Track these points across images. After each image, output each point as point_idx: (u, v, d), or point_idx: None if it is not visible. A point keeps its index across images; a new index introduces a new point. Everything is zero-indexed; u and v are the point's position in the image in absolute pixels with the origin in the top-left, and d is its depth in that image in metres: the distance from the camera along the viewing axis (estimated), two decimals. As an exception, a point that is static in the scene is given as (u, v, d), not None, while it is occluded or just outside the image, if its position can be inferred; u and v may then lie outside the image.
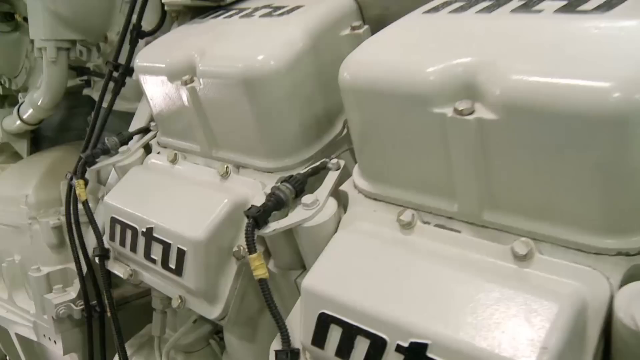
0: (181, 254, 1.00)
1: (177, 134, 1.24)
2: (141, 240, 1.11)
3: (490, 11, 0.76)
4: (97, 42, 1.66)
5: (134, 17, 1.39)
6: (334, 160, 0.95)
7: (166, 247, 1.04)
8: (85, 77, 1.79)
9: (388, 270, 0.72)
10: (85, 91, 1.84)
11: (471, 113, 0.65)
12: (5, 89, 2.41)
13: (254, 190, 1.02)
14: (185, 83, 1.08)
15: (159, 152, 1.32)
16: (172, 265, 1.03)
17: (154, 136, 1.37)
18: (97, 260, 1.29)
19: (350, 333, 0.70)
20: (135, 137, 1.41)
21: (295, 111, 1.00)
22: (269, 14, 1.12)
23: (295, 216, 0.86)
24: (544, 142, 0.60)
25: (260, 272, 0.84)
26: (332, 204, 0.88)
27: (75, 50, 1.70)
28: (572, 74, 0.58)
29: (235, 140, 1.08)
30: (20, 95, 2.19)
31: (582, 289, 0.61)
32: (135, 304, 1.77)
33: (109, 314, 1.33)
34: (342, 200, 0.90)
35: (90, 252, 1.41)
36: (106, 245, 1.29)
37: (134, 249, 1.14)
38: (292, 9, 1.09)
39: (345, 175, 0.93)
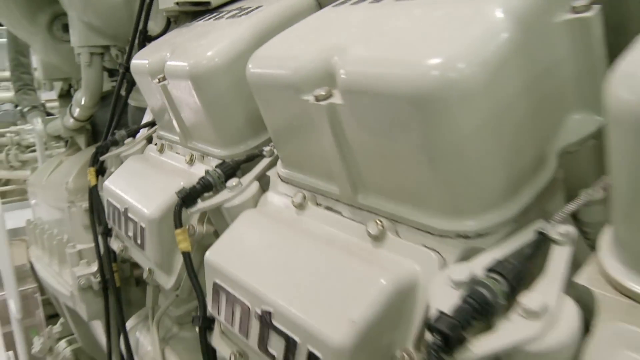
0: (142, 230, 1.14)
1: (165, 126, 1.38)
2: (122, 219, 1.26)
3: (379, 0, 0.79)
4: (124, 46, 1.87)
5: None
6: (268, 148, 1.01)
7: (134, 224, 1.18)
8: (116, 78, 2.02)
9: (268, 246, 0.78)
10: (119, 91, 2.07)
11: (327, 99, 0.69)
12: (75, 91, 2.78)
13: (209, 175, 1.12)
14: (159, 81, 1.21)
15: (155, 144, 1.47)
16: (139, 241, 1.17)
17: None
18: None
19: (231, 300, 0.77)
20: (143, 130, 1.58)
21: (241, 104, 1.08)
22: (234, 16, 1.21)
23: (219, 197, 0.95)
24: (377, 124, 0.63)
25: (183, 246, 0.94)
26: (254, 187, 0.95)
27: (111, 54, 1.93)
28: (396, 56, 0.60)
29: (199, 132, 1.19)
30: (79, 96, 2.51)
31: (417, 270, 0.63)
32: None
33: (117, 284, 1.53)
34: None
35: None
36: (110, 225, 1.47)
37: (119, 226, 1.30)
38: (253, 10, 1.18)
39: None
